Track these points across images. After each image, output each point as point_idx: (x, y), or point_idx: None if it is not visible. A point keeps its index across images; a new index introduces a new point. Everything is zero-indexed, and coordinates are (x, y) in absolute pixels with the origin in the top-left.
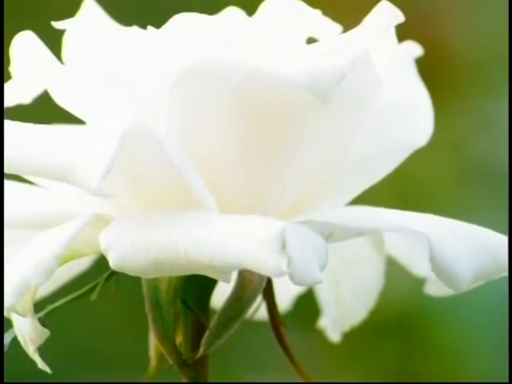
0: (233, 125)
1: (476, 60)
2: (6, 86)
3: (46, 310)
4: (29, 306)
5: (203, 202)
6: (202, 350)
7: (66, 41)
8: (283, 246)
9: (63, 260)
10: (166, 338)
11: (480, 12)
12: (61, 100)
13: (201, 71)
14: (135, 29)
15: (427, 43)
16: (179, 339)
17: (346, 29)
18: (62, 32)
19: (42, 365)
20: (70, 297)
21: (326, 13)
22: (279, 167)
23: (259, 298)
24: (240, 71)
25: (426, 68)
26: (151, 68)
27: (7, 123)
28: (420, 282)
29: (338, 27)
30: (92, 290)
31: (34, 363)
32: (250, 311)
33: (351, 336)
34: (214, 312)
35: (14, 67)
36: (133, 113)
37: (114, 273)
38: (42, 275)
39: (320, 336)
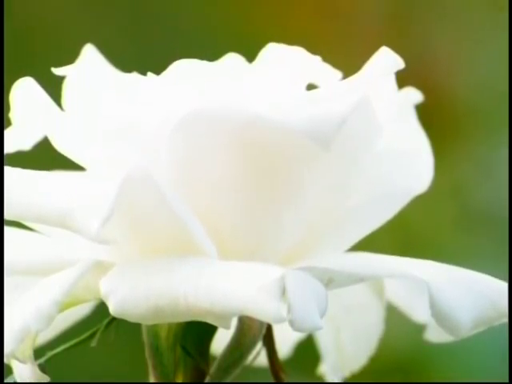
0: (232, 171)
1: (476, 106)
2: (6, 132)
3: (46, 356)
4: (29, 352)
5: (203, 248)
6: None
7: (65, 87)
8: (283, 293)
9: (63, 306)
10: None
11: (480, 58)
12: (61, 146)
13: (201, 117)
14: (135, 75)
15: (427, 89)
16: None
17: (346, 75)
18: (62, 78)
19: None
20: (70, 343)
21: (325, 59)
22: (279, 213)
23: (259, 344)
24: (240, 117)
25: (426, 114)
26: (151, 114)
27: (7, 170)
28: (420, 329)
29: (338, 73)
30: (92, 336)
31: None
32: (250, 357)
33: (351, 382)
34: (214, 358)
35: (14, 113)
36: (133, 159)
37: (114, 319)
38: (42, 321)
39: (320, 382)
